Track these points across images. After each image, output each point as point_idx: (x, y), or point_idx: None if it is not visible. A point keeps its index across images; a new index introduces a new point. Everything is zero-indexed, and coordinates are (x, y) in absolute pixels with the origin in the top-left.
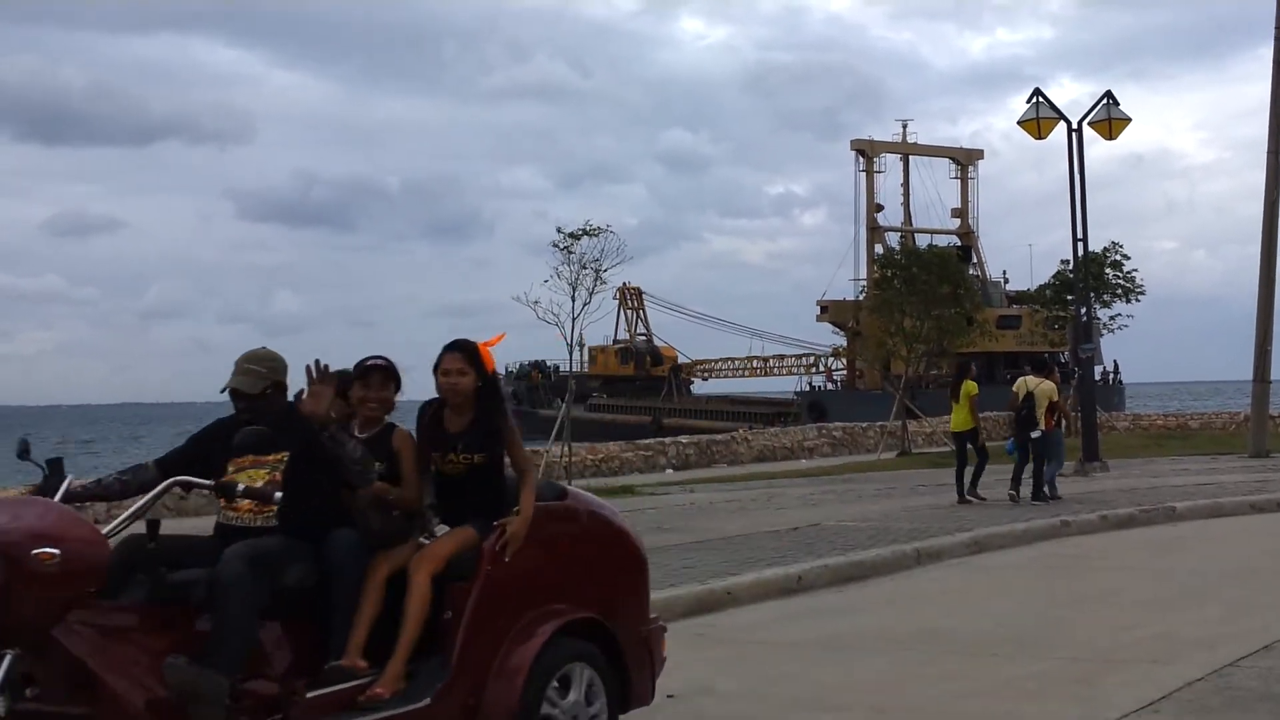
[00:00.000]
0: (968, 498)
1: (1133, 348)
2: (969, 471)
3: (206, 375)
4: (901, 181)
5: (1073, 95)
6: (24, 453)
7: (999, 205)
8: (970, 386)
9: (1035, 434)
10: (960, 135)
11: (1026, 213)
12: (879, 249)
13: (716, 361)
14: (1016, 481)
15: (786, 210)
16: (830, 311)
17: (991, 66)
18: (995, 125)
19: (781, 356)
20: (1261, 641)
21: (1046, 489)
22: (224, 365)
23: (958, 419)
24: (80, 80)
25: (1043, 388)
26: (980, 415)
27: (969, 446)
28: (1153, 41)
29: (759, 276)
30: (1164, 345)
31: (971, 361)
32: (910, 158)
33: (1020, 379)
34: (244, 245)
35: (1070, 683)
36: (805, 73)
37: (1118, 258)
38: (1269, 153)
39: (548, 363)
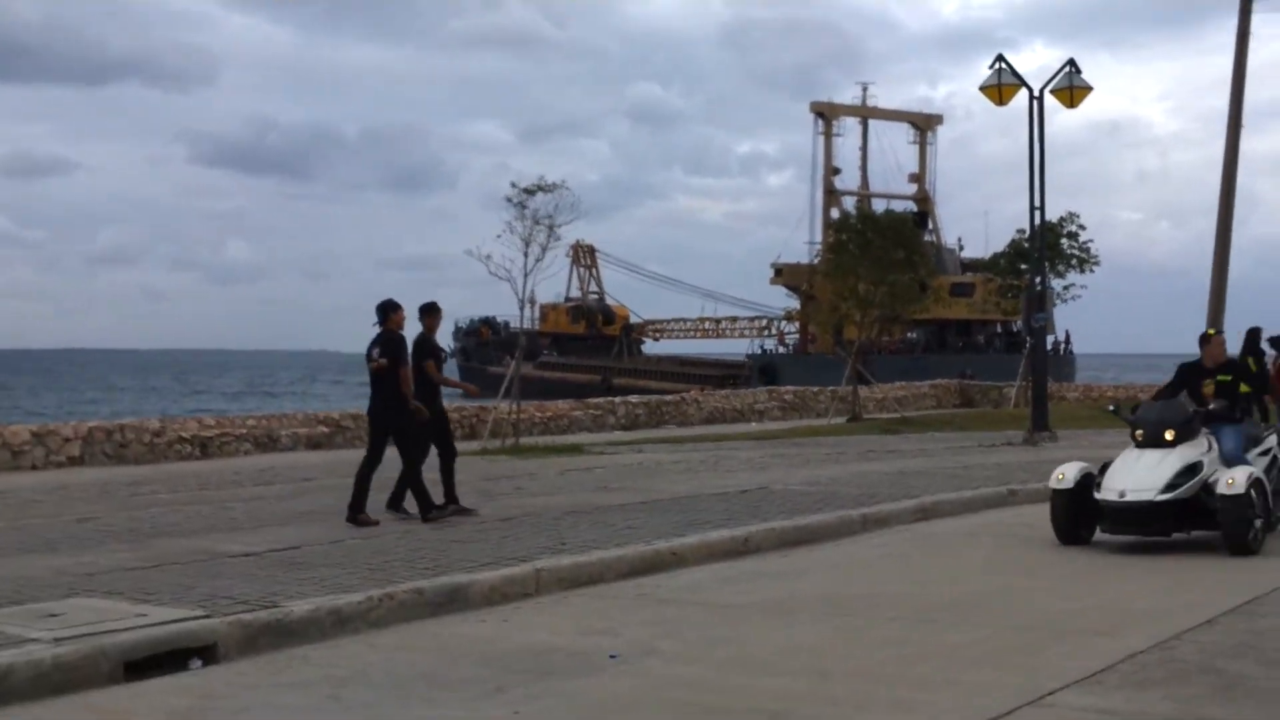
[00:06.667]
0: None
1: (1088, 318)
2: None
3: (155, 322)
4: (860, 145)
5: (1044, 61)
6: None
7: (968, 170)
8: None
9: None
10: (935, 98)
11: (995, 178)
12: (835, 213)
13: (669, 322)
14: None
15: (754, 170)
16: (784, 274)
17: (964, 28)
18: (969, 89)
19: (734, 318)
20: (1205, 615)
21: None
22: (172, 312)
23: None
24: (34, 14)
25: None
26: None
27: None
28: (1127, 9)
29: (720, 236)
30: (1121, 316)
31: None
32: (870, 121)
33: None
34: (196, 191)
35: (1013, 652)
36: (783, 29)
37: (1074, 228)
38: (1228, 126)
39: (498, 319)
